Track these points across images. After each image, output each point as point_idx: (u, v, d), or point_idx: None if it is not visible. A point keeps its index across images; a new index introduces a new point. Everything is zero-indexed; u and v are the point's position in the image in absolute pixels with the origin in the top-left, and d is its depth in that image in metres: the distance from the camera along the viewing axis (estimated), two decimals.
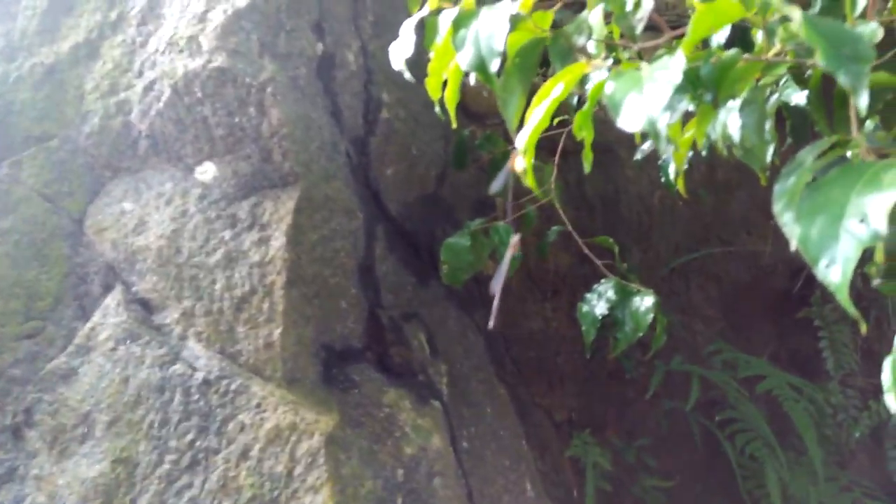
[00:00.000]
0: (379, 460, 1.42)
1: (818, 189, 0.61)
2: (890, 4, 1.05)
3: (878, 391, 2.83)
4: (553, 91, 0.83)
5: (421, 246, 2.03)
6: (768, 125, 0.99)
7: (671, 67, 0.72)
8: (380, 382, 1.65)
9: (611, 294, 1.62)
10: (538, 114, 0.83)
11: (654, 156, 1.83)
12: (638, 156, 1.83)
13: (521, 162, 0.87)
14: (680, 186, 1.31)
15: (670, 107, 0.70)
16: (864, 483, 2.60)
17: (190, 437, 1.34)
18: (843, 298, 0.55)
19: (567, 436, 2.48)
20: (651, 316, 1.56)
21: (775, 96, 1.08)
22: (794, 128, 1.20)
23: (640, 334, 1.57)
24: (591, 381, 2.55)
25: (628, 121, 0.71)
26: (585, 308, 1.64)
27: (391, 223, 1.94)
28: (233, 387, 1.37)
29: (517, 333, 2.38)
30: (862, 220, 0.55)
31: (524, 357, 2.40)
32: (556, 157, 1.92)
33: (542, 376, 2.45)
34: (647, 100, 0.70)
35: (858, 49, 0.62)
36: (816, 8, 1.01)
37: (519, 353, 2.39)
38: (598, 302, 1.63)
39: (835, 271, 0.55)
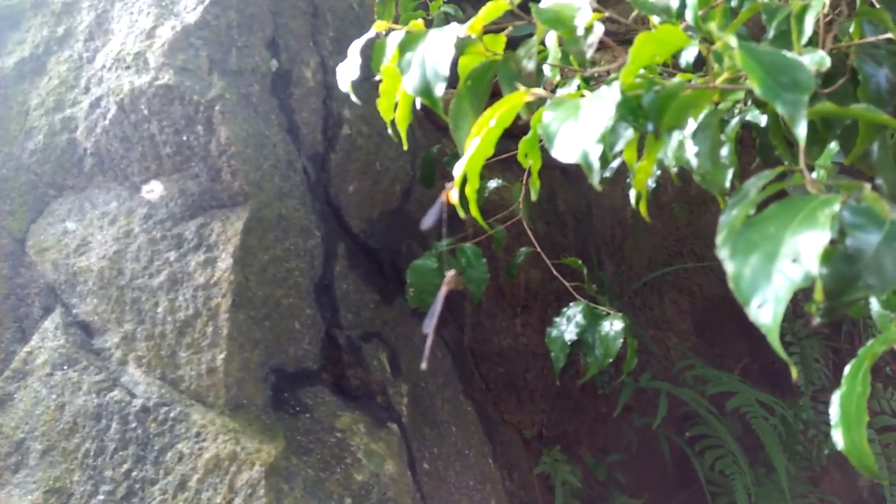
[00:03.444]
0: (325, 489, 1.39)
1: (754, 225, 0.59)
2: (852, 30, 1.02)
3: None
4: (492, 120, 0.80)
5: (385, 263, 2.00)
6: (725, 150, 0.97)
7: (605, 99, 0.70)
8: (334, 406, 1.62)
9: (580, 318, 1.60)
10: (475, 143, 0.80)
11: (625, 169, 1.81)
12: (607, 173, 1.81)
13: (455, 193, 0.83)
14: (642, 209, 1.28)
15: (603, 139, 0.67)
16: (835, 499, 2.58)
17: (126, 466, 1.30)
18: (774, 340, 0.53)
19: (537, 453, 2.46)
20: (620, 341, 1.53)
21: (737, 118, 1.06)
22: (761, 147, 1.18)
23: (611, 360, 1.54)
24: (562, 397, 2.52)
25: (562, 152, 0.69)
26: (555, 333, 1.61)
27: (353, 240, 1.90)
28: (172, 414, 1.33)
29: (487, 350, 2.35)
30: (795, 261, 0.53)
31: (493, 373, 2.37)
32: (525, 175, 1.90)
33: (512, 393, 2.43)
34: (581, 131, 0.68)
35: (797, 78, 0.61)
36: (770, 34, 0.99)
37: (488, 369, 2.36)
38: (568, 326, 1.61)
39: (766, 312, 0.53)
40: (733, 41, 0.62)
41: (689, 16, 1.02)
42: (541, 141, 0.79)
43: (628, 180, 1.67)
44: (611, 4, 2.84)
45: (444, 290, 0.90)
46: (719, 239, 0.63)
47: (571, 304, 1.63)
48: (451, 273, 0.93)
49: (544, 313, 2.49)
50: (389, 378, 1.83)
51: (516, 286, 2.42)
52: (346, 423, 1.58)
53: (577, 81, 1.40)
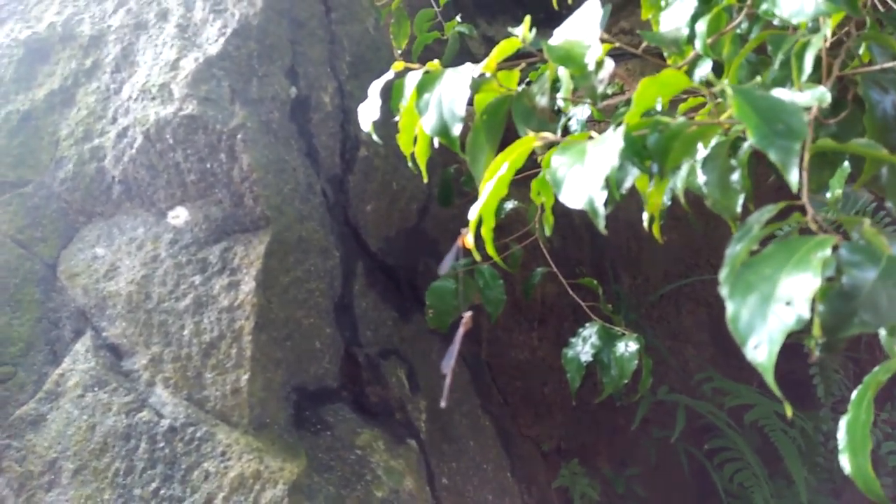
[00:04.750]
0: None
1: (752, 266, 0.61)
2: (861, 51, 1.04)
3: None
4: (503, 166, 0.83)
5: (402, 280, 2.04)
6: (736, 175, 0.99)
7: (609, 145, 0.71)
8: (354, 423, 1.66)
9: (595, 339, 1.62)
10: (489, 187, 0.83)
11: None
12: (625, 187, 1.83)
13: (471, 238, 0.86)
14: (655, 232, 1.30)
15: (607, 184, 0.69)
16: None
17: (154, 485, 1.35)
18: (769, 380, 0.55)
19: (555, 466, 2.47)
20: (636, 362, 1.55)
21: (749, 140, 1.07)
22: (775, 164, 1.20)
23: (626, 381, 1.56)
24: (580, 410, 2.53)
25: (570, 198, 0.70)
26: (570, 353, 1.63)
27: (371, 259, 1.94)
28: (198, 434, 1.38)
29: (503, 363, 2.38)
30: (788, 304, 0.55)
31: (511, 387, 2.40)
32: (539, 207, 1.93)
33: (529, 406, 2.45)
34: (586, 177, 0.70)
35: (791, 123, 0.62)
36: (776, 64, 1.00)
37: (505, 383, 2.38)
38: (583, 347, 1.63)
39: (761, 352, 0.55)
40: (729, 90, 0.65)
41: (698, 45, 1.04)
42: None
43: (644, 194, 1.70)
44: (624, 16, 2.87)
45: (461, 331, 0.92)
46: (722, 275, 0.65)
47: (587, 324, 1.65)
48: (467, 315, 0.95)
49: (560, 327, 2.51)
50: (408, 394, 1.87)
51: (532, 300, 2.44)
52: (366, 441, 1.62)
53: (587, 108, 1.43)
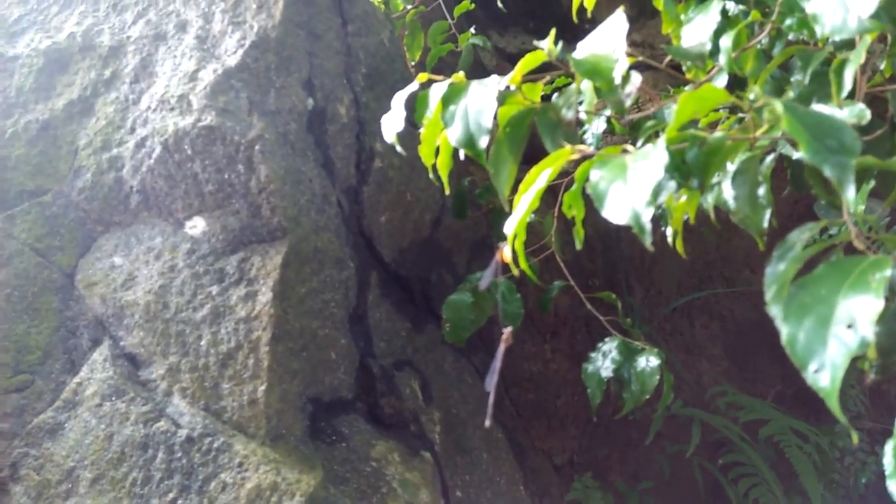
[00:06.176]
0: None
1: (805, 287, 0.60)
2: (883, 66, 1.04)
3: (886, 435, 2.77)
4: (539, 178, 0.82)
5: (416, 291, 2.04)
6: (762, 190, 0.98)
7: (653, 160, 0.70)
8: (369, 435, 1.65)
9: (615, 354, 1.60)
10: (526, 200, 0.82)
11: None
12: None
13: (508, 251, 0.86)
14: (679, 247, 1.30)
15: (653, 201, 0.68)
16: None
17: (172, 495, 1.35)
18: (834, 406, 0.54)
19: (568, 479, 2.45)
20: (657, 378, 1.54)
21: (772, 156, 1.07)
22: (794, 178, 1.19)
23: (647, 396, 1.55)
24: (593, 424, 2.52)
25: (613, 213, 0.69)
26: (591, 368, 1.61)
27: (385, 269, 1.94)
28: (216, 444, 1.38)
29: (516, 375, 2.37)
30: (850, 326, 0.54)
31: (523, 399, 2.38)
32: (556, 209, 1.92)
33: (542, 419, 2.43)
34: (630, 192, 0.69)
35: (844, 140, 0.61)
36: (806, 79, 1.00)
37: (518, 395, 2.37)
38: (603, 362, 1.61)
39: (824, 377, 0.54)
40: (778, 106, 0.63)
41: (722, 59, 1.04)
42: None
43: (659, 210, 1.69)
44: (636, 28, 2.87)
45: (502, 348, 0.91)
46: (769, 295, 0.64)
47: (607, 339, 1.63)
48: (507, 330, 0.94)
49: (574, 339, 2.50)
50: (422, 405, 1.86)
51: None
52: (381, 452, 1.61)
53: (602, 122, 1.42)
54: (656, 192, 0.68)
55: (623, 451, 2.59)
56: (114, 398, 1.44)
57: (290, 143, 1.63)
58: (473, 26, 2.59)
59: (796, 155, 1.08)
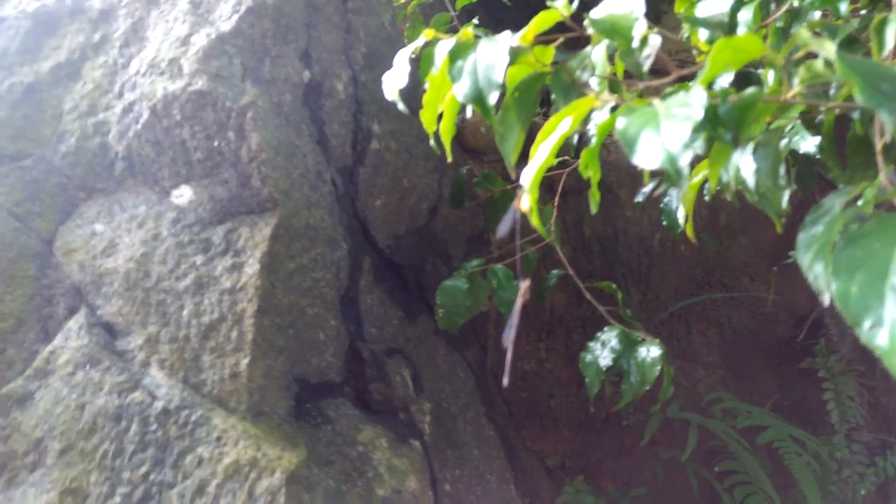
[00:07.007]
0: (346, 502, 1.34)
1: (855, 241, 0.56)
2: None
3: (885, 447, 2.71)
4: (560, 126, 0.77)
5: (410, 280, 1.98)
6: (782, 170, 0.94)
7: (692, 104, 0.67)
8: (356, 419, 1.58)
9: (615, 343, 1.54)
10: (544, 150, 0.77)
11: (654, 196, 1.78)
12: (639, 198, 1.78)
13: (526, 201, 0.81)
14: (689, 231, 1.25)
15: (689, 145, 0.65)
16: None
17: (144, 469, 1.27)
18: (890, 364, 0.49)
19: (559, 482, 2.39)
20: (658, 368, 1.47)
21: (784, 142, 1.03)
22: (799, 175, 1.15)
23: (647, 387, 1.48)
24: (586, 426, 2.46)
25: (645, 158, 0.66)
26: (589, 357, 1.54)
27: (379, 255, 1.88)
28: (193, 418, 1.31)
29: (509, 373, 2.31)
30: None
31: (516, 398, 2.32)
32: (556, 198, 1.87)
33: (535, 419, 2.37)
34: (665, 137, 0.65)
35: None
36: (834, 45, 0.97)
37: (511, 393, 2.31)
38: (602, 351, 1.54)
39: (882, 335, 0.50)
40: (830, 48, 0.60)
41: (742, 32, 1.00)
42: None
43: (662, 204, 1.65)
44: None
45: (520, 302, 0.87)
46: (806, 257, 0.60)
47: (606, 328, 1.57)
48: (525, 284, 0.89)
49: (569, 339, 2.45)
50: (412, 395, 1.79)
51: (541, 310, 2.38)
52: (368, 437, 1.54)
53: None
54: (696, 133, 0.64)
55: (616, 456, 2.53)
56: (88, 367, 1.36)
57: (285, 114, 1.58)
58: (475, 18, 2.56)
59: (804, 148, 1.04)
